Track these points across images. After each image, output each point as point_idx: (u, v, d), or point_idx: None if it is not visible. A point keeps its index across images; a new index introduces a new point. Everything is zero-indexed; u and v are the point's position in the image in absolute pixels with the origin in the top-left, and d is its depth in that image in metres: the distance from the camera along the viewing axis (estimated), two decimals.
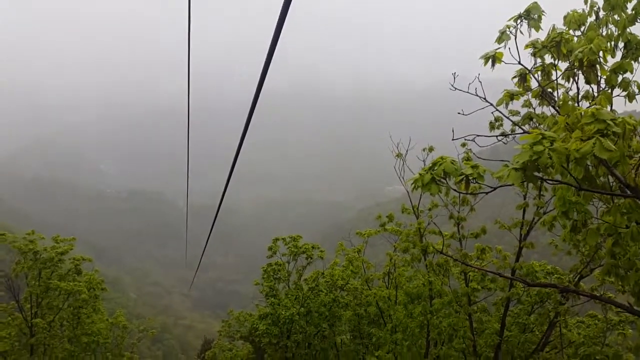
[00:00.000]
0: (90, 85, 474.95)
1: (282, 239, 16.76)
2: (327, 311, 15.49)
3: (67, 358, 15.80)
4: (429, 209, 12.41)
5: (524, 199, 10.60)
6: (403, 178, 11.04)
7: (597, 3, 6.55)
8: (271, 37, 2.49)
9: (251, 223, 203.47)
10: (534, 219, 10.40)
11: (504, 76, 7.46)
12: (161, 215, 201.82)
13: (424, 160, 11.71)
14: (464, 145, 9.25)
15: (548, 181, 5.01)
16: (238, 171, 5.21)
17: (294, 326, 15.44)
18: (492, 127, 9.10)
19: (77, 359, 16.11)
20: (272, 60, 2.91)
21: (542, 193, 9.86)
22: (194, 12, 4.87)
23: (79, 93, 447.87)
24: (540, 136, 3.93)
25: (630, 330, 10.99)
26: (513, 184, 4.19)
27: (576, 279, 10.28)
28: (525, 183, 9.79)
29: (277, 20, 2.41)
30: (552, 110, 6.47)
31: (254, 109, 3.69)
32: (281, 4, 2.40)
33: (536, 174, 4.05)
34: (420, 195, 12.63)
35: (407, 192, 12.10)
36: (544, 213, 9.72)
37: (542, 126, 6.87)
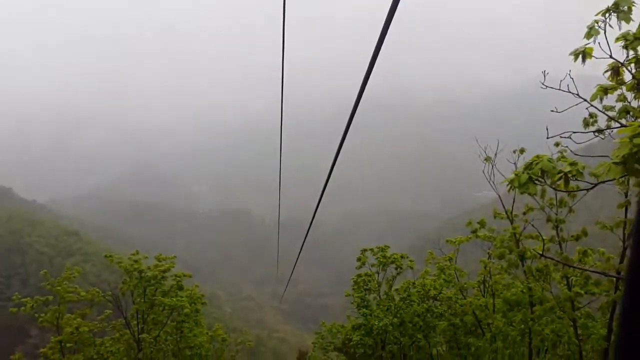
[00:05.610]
0: (181, 109, 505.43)
1: (370, 249, 16.82)
2: (421, 321, 15.30)
3: None
4: (524, 213, 11.99)
5: (625, 197, 9.98)
6: (493, 182, 10.80)
7: None
8: (371, 54, 2.63)
9: (337, 237, 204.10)
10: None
11: (597, 73, 7.17)
12: (250, 232, 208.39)
13: (514, 163, 11.39)
14: (557, 144, 8.92)
15: None
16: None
17: (387, 337, 15.41)
18: (586, 123, 8.67)
19: None
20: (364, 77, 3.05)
21: None
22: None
23: (171, 119, 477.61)
24: None
25: None
26: (613, 180, 4.09)
27: None
28: (625, 181, 9.31)
29: (378, 37, 2.56)
30: None
31: (350, 124, 3.82)
32: (384, 19, 2.51)
33: (638, 167, 3.94)
34: (514, 199, 12.26)
35: (499, 196, 11.83)
36: None
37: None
